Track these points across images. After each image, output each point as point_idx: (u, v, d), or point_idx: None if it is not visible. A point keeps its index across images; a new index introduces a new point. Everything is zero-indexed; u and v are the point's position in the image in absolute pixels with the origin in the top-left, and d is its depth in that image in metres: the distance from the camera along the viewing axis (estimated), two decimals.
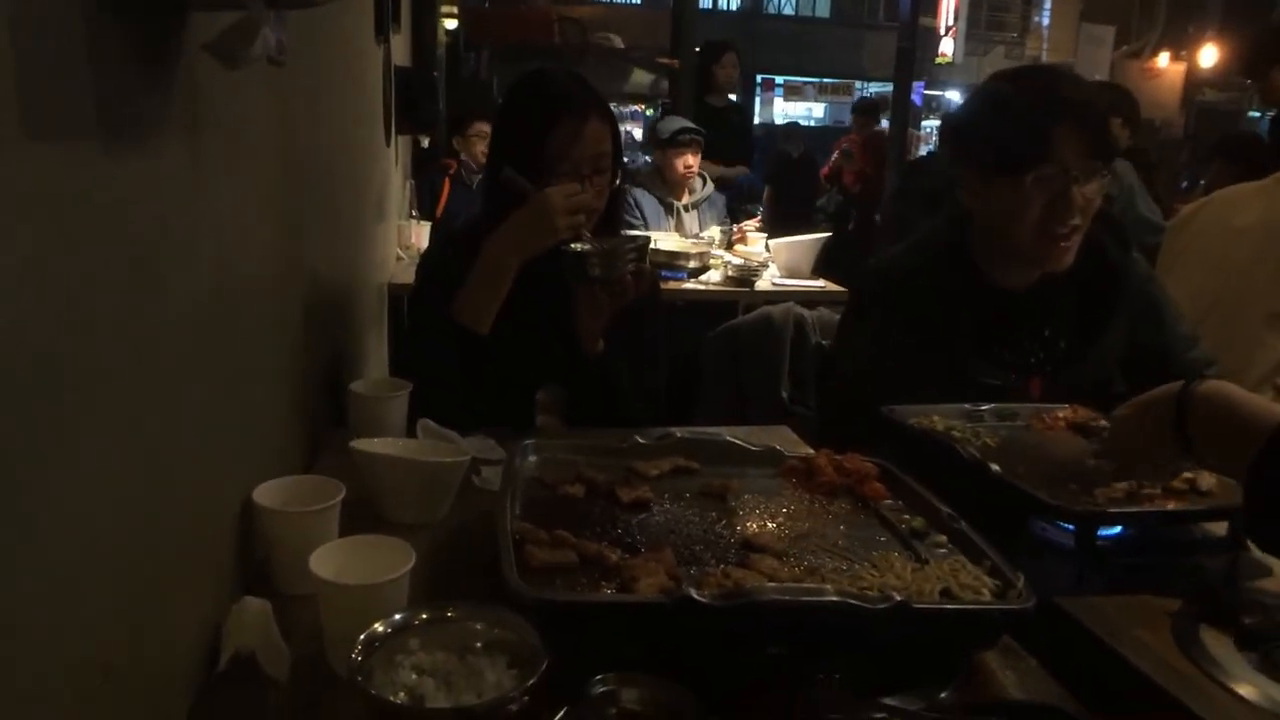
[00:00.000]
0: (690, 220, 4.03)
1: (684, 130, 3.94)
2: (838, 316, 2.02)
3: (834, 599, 0.86)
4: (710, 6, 17.89)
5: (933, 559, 1.03)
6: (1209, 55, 10.94)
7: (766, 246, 3.93)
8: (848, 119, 8.52)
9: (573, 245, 1.56)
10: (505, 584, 0.88)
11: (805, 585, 0.94)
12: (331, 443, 1.50)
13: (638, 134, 16.07)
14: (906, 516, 1.14)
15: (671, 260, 3.49)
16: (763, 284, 3.55)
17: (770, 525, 1.13)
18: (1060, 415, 1.47)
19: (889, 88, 8.51)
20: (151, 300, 0.81)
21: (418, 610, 0.85)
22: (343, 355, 2.01)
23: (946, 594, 0.94)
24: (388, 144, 3.43)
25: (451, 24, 7.34)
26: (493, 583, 0.90)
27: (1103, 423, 1.42)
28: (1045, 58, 13.60)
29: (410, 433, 1.44)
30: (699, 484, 1.23)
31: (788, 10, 20.65)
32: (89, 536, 0.68)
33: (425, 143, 5.42)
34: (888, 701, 0.85)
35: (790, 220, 5.55)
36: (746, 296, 3.43)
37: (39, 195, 0.61)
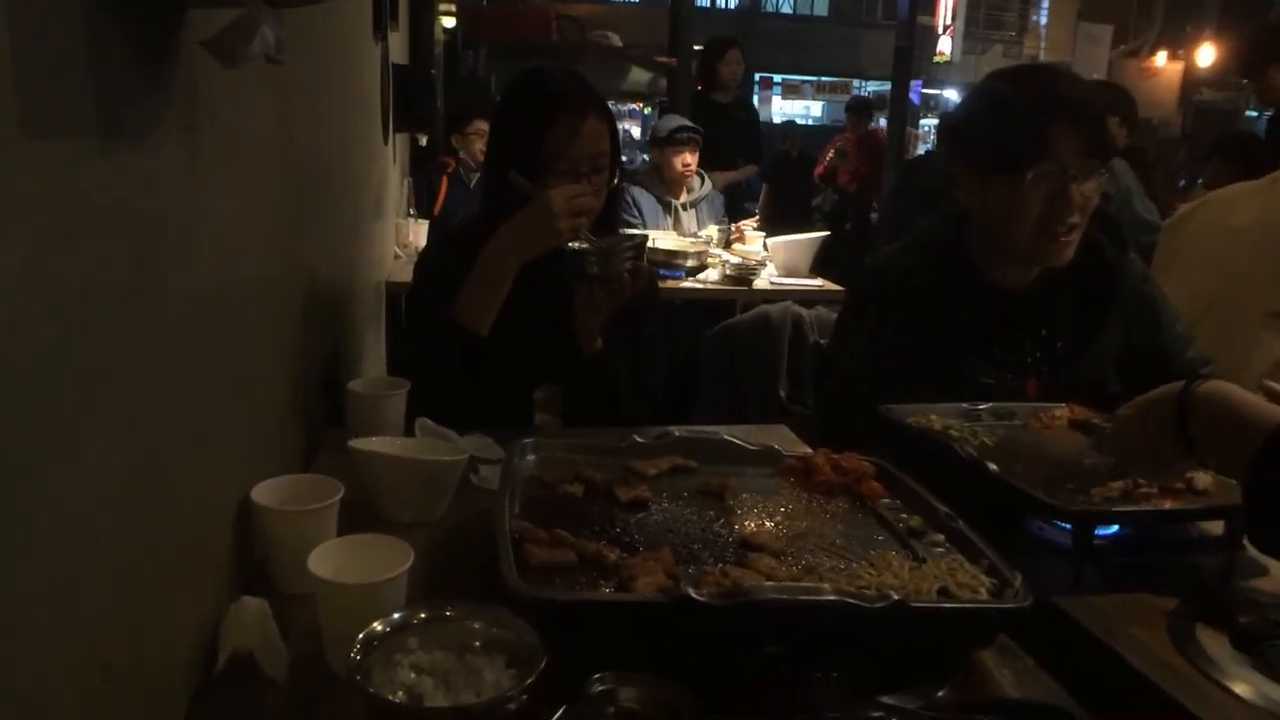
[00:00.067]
0: (688, 219, 4.03)
1: (682, 129, 3.94)
2: (835, 315, 2.02)
3: (832, 598, 0.86)
4: (708, 5, 17.89)
5: (930, 558, 1.03)
6: (1206, 55, 10.96)
7: (764, 245, 3.93)
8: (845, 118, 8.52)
9: (570, 243, 1.56)
10: (504, 583, 0.88)
11: (803, 584, 0.95)
12: (330, 442, 1.50)
13: (636, 132, 16.08)
14: (904, 515, 1.15)
15: (669, 259, 3.49)
16: (761, 283, 3.55)
17: (768, 524, 1.13)
18: (1057, 414, 1.48)
19: (887, 86, 8.51)
20: (151, 300, 0.81)
21: (416, 609, 0.85)
22: (341, 354, 2.01)
23: (944, 593, 0.95)
24: (385, 142, 3.43)
25: (449, 22, 7.34)
26: (491, 582, 0.90)
27: (1100, 421, 1.42)
28: (1043, 56, 13.60)
29: (408, 431, 1.44)
30: (697, 483, 1.23)
31: (786, 9, 20.66)
32: (89, 536, 0.68)
33: (423, 141, 5.42)
34: (885, 700, 0.85)
35: (787, 219, 5.55)
36: (744, 295, 3.43)
37: (39, 195, 0.61)
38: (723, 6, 19.31)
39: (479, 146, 4.57)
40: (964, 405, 1.48)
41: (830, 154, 7.49)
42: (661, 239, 3.62)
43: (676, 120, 4.08)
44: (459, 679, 0.78)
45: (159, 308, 0.83)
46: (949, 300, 1.59)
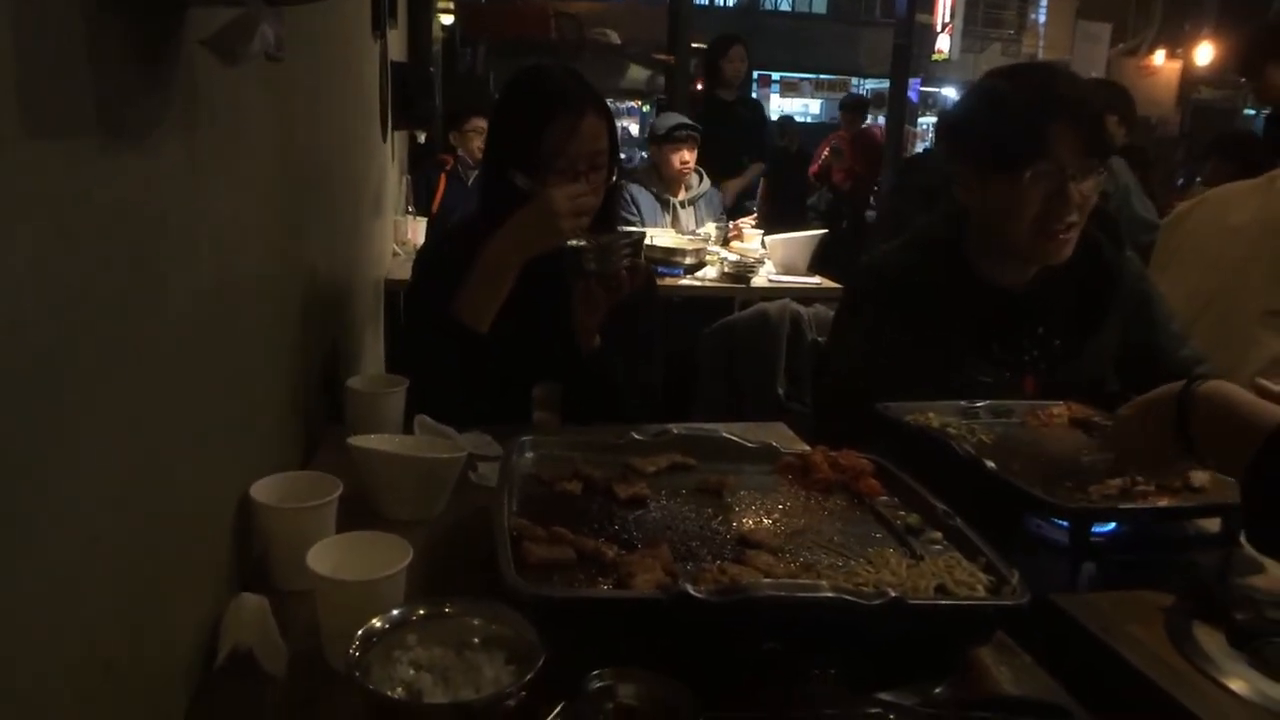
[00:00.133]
0: (687, 216, 4.03)
1: (680, 126, 3.94)
2: (834, 313, 2.02)
3: (829, 595, 0.87)
4: (707, 3, 17.86)
5: (928, 555, 1.04)
6: (1205, 53, 10.97)
7: (763, 243, 3.93)
8: None
9: (568, 240, 1.56)
10: (502, 580, 0.88)
11: (801, 581, 0.95)
12: (329, 439, 1.50)
13: (634, 129, 16.07)
14: (902, 513, 1.15)
15: (668, 256, 3.49)
16: (759, 280, 3.55)
17: (766, 521, 1.13)
18: (1055, 412, 1.48)
19: (885, 84, 8.51)
20: (151, 299, 0.81)
21: (415, 606, 0.85)
22: (340, 351, 2.01)
23: (941, 590, 0.95)
24: (384, 139, 3.43)
25: (448, 19, 7.33)
26: (490, 578, 0.90)
27: (1101, 419, 1.42)
28: (1041, 55, 13.61)
29: (407, 429, 1.44)
30: (695, 480, 1.24)
31: (784, 6, 20.64)
32: (89, 536, 0.68)
33: (422, 138, 5.42)
34: (883, 697, 0.85)
35: (785, 217, 5.55)
36: (743, 293, 3.44)
37: (39, 195, 0.61)
38: (721, 4, 19.29)
39: (477, 144, 4.57)
40: (962, 403, 1.48)
41: (825, 152, 7.49)
42: (660, 236, 3.62)
43: (675, 118, 4.08)
44: (458, 675, 0.78)
45: (159, 307, 0.83)
46: (947, 298, 1.59)
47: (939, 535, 1.09)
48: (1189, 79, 11.66)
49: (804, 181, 7.56)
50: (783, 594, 0.87)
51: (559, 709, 0.78)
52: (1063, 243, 1.50)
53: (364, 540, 1.01)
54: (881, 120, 8.11)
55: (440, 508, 1.29)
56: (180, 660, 0.89)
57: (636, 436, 1.32)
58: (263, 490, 1.09)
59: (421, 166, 4.89)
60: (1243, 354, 1.95)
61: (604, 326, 1.65)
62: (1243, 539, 1.12)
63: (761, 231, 4.06)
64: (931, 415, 1.43)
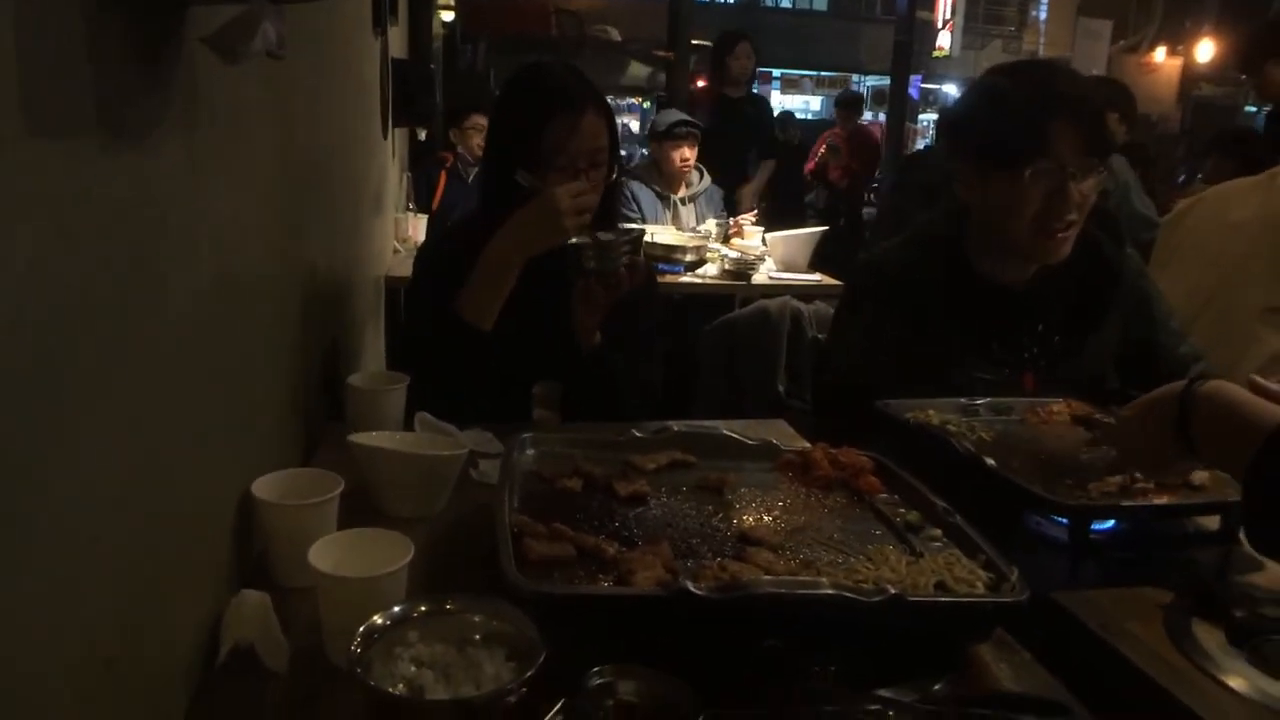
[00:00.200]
0: (687, 213, 4.03)
1: (680, 123, 3.93)
2: (834, 310, 2.02)
3: (829, 592, 0.87)
4: (707, 0, 17.84)
5: (927, 552, 1.04)
6: (1205, 50, 10.95)
7: (763, 240, 3.93)
8: None
9: (570, 239, 1.56)
10: (503, 577, 0.88)
11: (801, 578, 0.95)
12: (329, 437, 1.50)
13: (634, 126, 16.07)
14: (902, 510, 1.15)
15: (668, 254, 3.49)
16: (759, 278, 3.55)
17: (766, 519, 1.14)
18: (1055, 409, 1.48)
19: (886, 81, 8.51)
20: (151, 298, 0.81)
21: (416, 603, 0.85)
22: (340, 349, 2.01)
23: (941, 587, 0.95)
24: (385, 137, 3.43)
25: (448, 16, 7.32)
26: (491, 575, 0.90)
27: (1102, 417, 1.43)
28: (1042, 51, 13.61)
29: (408, 426, 1.44)
30: (696, 478, 1.24)
31: (785, 3, 20.62)
32: (89, 535, 0.68)
33: (422, 135, 5.41)
34: (882, 694, 0.86)
35: (785, 214, 5.54)
36: (743, 290, 3.43)
37: (39, 194, 0.61)
38: (722, 1, 19.27)
39: (476, 141, 4.57)
40: (962, 400, 1.48)
41: (821, 150, 7.47)
42: (660, 234, 3.61)
43: (675, 115, 4.07)
44: (459, 672, 0.78)
45: (159, 307, 0.83)
46: (947, 295, 1.59)
47: (939, 532, 1.09)
48: (1190, 76, 11.64)
49: (804, 178, 7.55)
50: (783, 591, 0.88)
51: (559, 706, 0.78)
52: (1061, 241, 1.50)
53: (365, 537, 1.01)
54: (883, 117, 8.10)
55: (441, 505, 1.29)
56: (181, 658, 0.89)
57: (637, 434, 1.32)
58: (264, 487, 1.10)
59: (422, 163, 4.89)
60: (1243, 351, 1.95)
61: (604, 324, 1.65)
62: (1242, 537, 1.13)
63: (762, 229, 4.06)
64: (931, 412, 1.43)
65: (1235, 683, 0.91)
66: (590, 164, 1.63)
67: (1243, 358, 1.92)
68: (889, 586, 0.89)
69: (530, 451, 1.28)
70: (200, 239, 0.96)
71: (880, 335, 1.61)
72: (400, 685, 0.77)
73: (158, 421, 0.82)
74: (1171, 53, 11.61)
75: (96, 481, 0.69)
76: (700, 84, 6.87)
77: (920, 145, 12.14)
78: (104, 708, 0.71)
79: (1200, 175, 4.66)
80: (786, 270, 3.68)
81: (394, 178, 4.04)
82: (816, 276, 3.66)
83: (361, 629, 0.80)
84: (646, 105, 16.75)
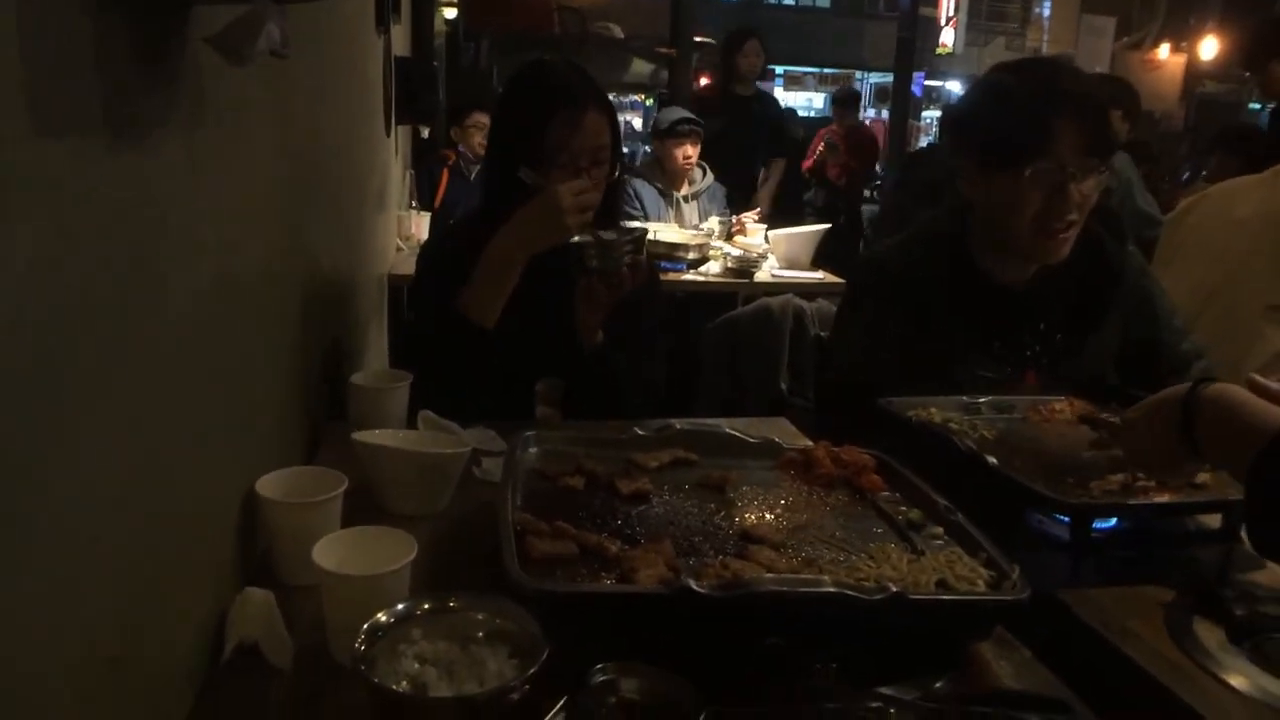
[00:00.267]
0: (690, 211, 4.03)
1: (683, 120, 3.93)
2: (836, 308, 2.02)
3: (831, 590, 0.87)
4: None
5: (929, 550, 1.04)
6: (1209, 47, 10.92)
7: (766, 238, 3.93)
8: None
9: (572, 237, 1.57)
10: (506, 574, 0.89)
11: (803, 576, 0.95)
12: (333, 435, 1.51)
13: (637, 124, 16.05)
14: (903, 508, 1.15)
15: (671, 251, 3.49)
16: (762, 275, 3.55)
17: (768, 517, 1.14)
18: (1057, 407, 1.48)
19: (889, 78, 8.49)
20: (153, 298, 0.81)
21: (420, 600, 0.86)
22: (343, 347, 2.01)
23: (942, 585, 0.95)
24: (388, 134, 3.43)
25: (451, 13, 7.31)
26: (494, 573, 0.90)
27: (1108, 417, 1.42)
28: (1046, 49, 13.56)
29: (411, 424, 1.45)
30: (698, 476, 1.24)
31: (788, 0, 20.57)
32: (89, 536, 0.68)
33: (425, 133, 5.41)
34: (883, 691, 0.86)
35: (786, 212, 5.52)
36: (746, 288, 3.43)
37: (42, 194, 0.61)
38: None
39: (477, 139, 4.57)
40: (964, 398, 1.49)
41: (819, 148, 7.45)
42: (663, 232, 3.61)
43: (678, 112, 4.07)
44: (462, 669, 0.78)
45: (160, 306, 0.83)
46: (949, 293, 1.59)
47: (940, 530, 1.09)
48: (1193, 73, 11.62)
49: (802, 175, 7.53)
50: (785, 589, 0.88)
51: (562, 703, 0.78)
52: (1062, 242, 1.50)
53: (369, 535, 1.01)
54: (885, 115, 8.08)
55: (444, 503, 1.30)
56: (185, 657, 0.89)
57: (639, 432, 1.33)
58: (268, 485, 1.10)
59: (425, 161, 4.89)
60: (1246, 348, 1.95)
61: (606, 323, 1.66)
62: (1244, 536, 1.13)
63: (765, 226, 4.05)
64: (933, 410, 1.43)
65: (1236, 681, 0.91)
66: (592, 162, 1.63)
67: (1246, 355, 1.92)
68: (890, 584, 0.89)
69: (533, 449, 1.28)
70: (202, 238, 0.96)
71: (882, 333, 1.61)
72: (404, 683, 0.77)
73: (159, 421, 0.82)
74: (1175, 50, 11.58)
75: (96, 481, 0.69)
76: (704, 81, 6.85)
77: (923, 142, 12.12)
78: (105, 707, 0.71)
79: (1204, 173, 4.65)
80: (789, 268, 3.68)
81: (397, 175, 4.03)
82: (819, 274, 3.66)
83: (365, 626, 0.81)
84: (649, 102, 16.73)
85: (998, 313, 1.60)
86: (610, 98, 1.76)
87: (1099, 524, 1.20)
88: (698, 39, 7.18)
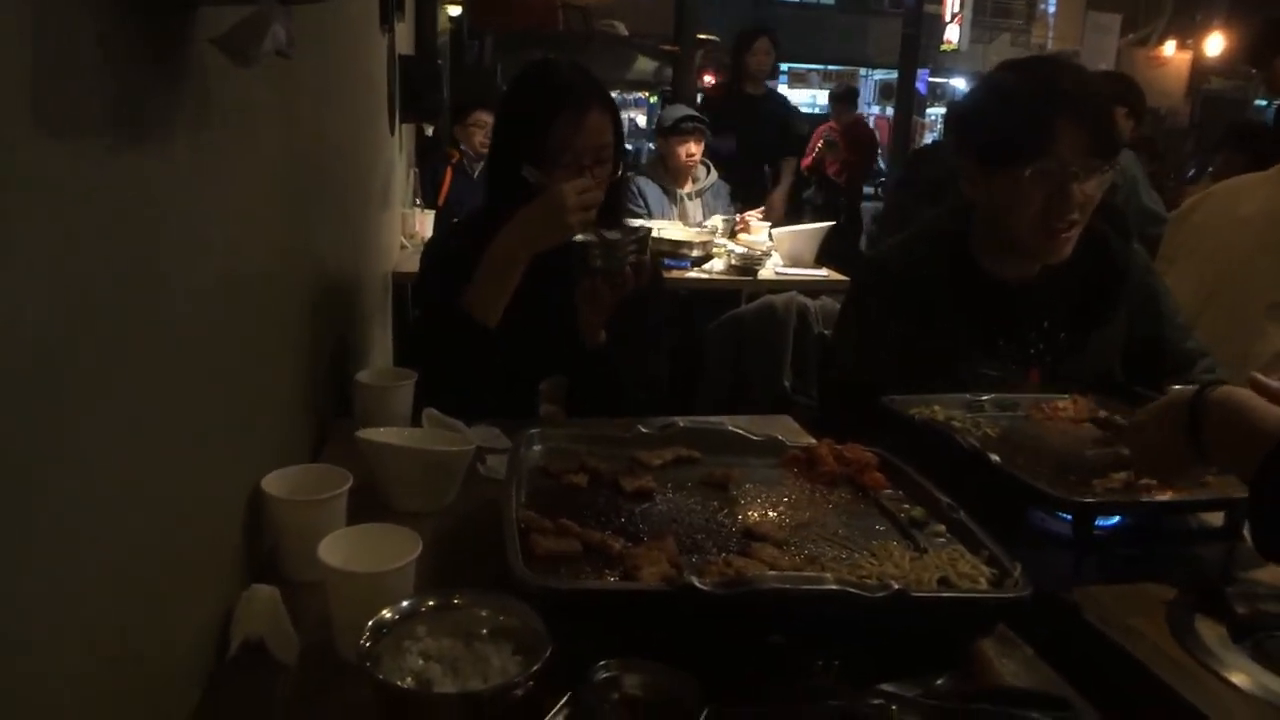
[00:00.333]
0: (694, 209, 4.03)
1: (687, 118, 3.93)
2: (840, 306, 2.02)
3: (833, 587, 0.88)
4: None
5: (931, 548, 1.05)
6: (1215, 44, 10.88)
7: (770, 235, 3.92)
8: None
9: (575, 235, 1.57)
10: (510, 572, 0.89)
11: (805, 574, 0.96)
12: (338, 433, 1.51)
13: (641, 121, 16.04)
14: (906, 506, 1.16)
15: (675, 249, 3.49)
16: (766, 273, 3.55)
17: (771, 514, 1.14)
18: (1060, 405, 1.48)
19: (894, 75, 8.47)
20: (156, 297, 0.81)
21: (424, 597, 0.86)
22: (348, 345, 2.02)
23: (944, 583, 0.96)
24: (392, 133, 3.43)
25: (455, 11, 7.31)
26: (498, 570, 0.91)
27: (1110, 414, 1.43)
28: (1051, 46, 13.54)
29: (416, 422, 1.45)
30: (701, 473, 1.24)
31: None
32: (89, 536, 0.67)
33: (429, 131, 5.42)
34: (885, 688, 0.86)
35: (788, 210, 5.51)
36: (749, 285, 3.43)
37: (46, 193, 0.61)
38: None
39: (479, 138, 4.57)
40: (967, 396, 1.49)
41: (818, 145, 7.44)
42: (667, 229, 3.61)
43: (681, 110, 4.07)
44: (466, 666, 0.79)
45: (164, 305, 0.83)
46: (952, 291, 1.59)
47: (943, 528, 1.10)
48: (1199, 70, 11.59)
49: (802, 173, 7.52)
50: (787, 587, 0.88)
51: (565, 699, 0.79)
52: (1064, 241, 1.49)
53: (374, 532, 1.02)
54: (889, 112, 8.07)
55: (449, 500, 1.30)
56: (189, 654, 0.90)
57: (643, 430, 1.33)
58: (274, 483, 1.11)
59: (429, 159, 4.89)
60: (1250, 346, 1.95)
61: (610, 322, 1.66)
62: (1246, 534, 1.13)
63: (769, 224, 4.05)
64: (936, 408, 1.43)
65: (1238, 678, 0.91)
66: (595, 160, 1.64)
67: (1249, 353, 1.92)
68: (893, 582, 0.90)
69: (537, 447, 1.28)
70: (207, 239, 0.96)
71: (885, 331, 1.61)
72: (408, 679, 0.78)
73: (159, 421, 0.82)
74: (1181, 46, 11.55)
75: (96, 481, 0.69)
76: (709, 79, 6.84)
77: (928, 140, 12.09)
78: (105, 707, 0.71)
79: (1210, 170, 4.64)
80: (793, 265, 3.68)
81: (401, 173, 4.04)
82: (823, 272, 3.65)
83: (370, 623, 0.81)
84: (653, 100, 16.71)
85: (1001, 310, 1.60)
86: (614, 95, 1.76)
87: (1101, 522, 1.20)
88: (701, 36, 7.17)
